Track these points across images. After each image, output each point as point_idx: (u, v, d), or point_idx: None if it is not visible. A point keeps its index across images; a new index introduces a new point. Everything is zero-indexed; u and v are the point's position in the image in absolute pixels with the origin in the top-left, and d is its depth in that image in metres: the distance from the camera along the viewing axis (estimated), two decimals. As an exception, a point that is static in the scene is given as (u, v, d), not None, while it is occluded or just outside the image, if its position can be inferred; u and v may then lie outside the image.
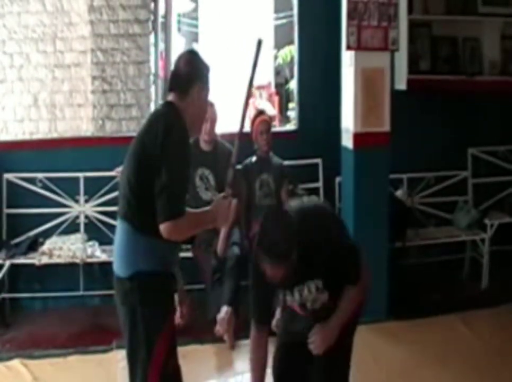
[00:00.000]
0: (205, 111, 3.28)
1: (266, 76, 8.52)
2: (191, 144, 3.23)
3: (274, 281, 2.96)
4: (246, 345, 4.91)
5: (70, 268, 5.48)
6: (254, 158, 5.64)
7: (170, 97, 3.16)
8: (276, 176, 5.59)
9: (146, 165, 3.01)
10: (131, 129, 5.88)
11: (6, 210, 5.64)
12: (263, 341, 3.28)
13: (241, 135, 3.21)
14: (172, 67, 3.26)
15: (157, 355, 3.05)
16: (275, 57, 8.42)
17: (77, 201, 5.72)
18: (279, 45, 8.41)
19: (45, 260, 5.33)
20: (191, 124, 3.13)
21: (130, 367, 3.15)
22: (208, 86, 3.20)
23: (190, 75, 3.12)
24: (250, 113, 6.13)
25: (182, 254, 5.10)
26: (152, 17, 6.07)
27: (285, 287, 3.14)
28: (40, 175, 5.65)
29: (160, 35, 6.18)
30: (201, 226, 3.24)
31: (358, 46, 5.09)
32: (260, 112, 5.86)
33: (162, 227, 2.93)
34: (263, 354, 3.28)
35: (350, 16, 5.07)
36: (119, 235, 3.13)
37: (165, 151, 2.94)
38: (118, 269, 3.11)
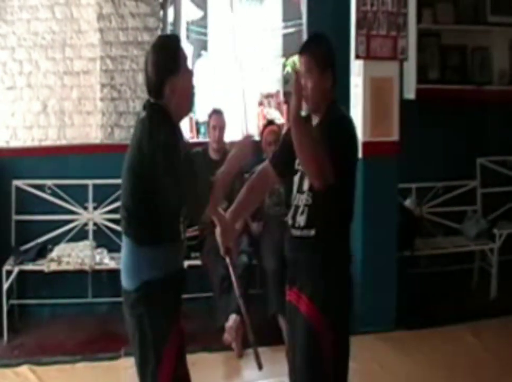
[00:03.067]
0: (187, 95, 3.13)
1: (274, 84, 8.53)
2: (179, 139, 3.11)
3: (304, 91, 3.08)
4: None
5: (78, 275, 5.49)
6: (264, 168, 5.66)
7: (150, 99, 3.10)
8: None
9: (136, 176, 3.02)
10: (140, 136, 5.88)
11: (15, 217, 5.64)
12: (266, 173, 3.43)
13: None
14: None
15: (166, 362, 3.05)
16: (284, 66, 8.41)
17: (85, 208, 5.72)
18: (287, 54, 8.40)
19: (53, 267, 5.33)
20: (178, 111, 3.09)
21: (140, 377, 3.14)
22: (182, 73, 3.06)
23: (157, 77, 3.02)
24: (259, 124, 6.16)
25: (191, 262, 5.14)
26: (161, 25, 6.09)
27: None
28: (48, 182, 5.66)
29: (169, 43, 6.18)
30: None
31: (366, 55, 5.10)
32: (269, 122, 5.87)
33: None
34: (261, 179, 3.47)
35: (359, 25, 5.09)
36: (123, 249, 3.16)
37: (157, 162, 2.93)
38: (125, 282, 3.13)
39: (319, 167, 2.95)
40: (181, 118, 3.19)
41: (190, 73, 3.14)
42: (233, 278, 3.72)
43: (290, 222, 3.23)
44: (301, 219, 3.16)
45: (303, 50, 3.26)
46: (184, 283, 3.25)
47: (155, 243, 3.05)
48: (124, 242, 3.13)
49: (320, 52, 3.20)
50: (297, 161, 3.20)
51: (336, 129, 3.09)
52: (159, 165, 2.92)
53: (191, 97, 3.21)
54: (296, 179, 3.25)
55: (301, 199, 3.17)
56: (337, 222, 3.17)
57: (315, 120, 3.21)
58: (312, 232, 3.12)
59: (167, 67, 3.03)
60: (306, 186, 3.16)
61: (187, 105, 3.20)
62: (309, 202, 3.14)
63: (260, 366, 3.43)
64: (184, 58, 3.12)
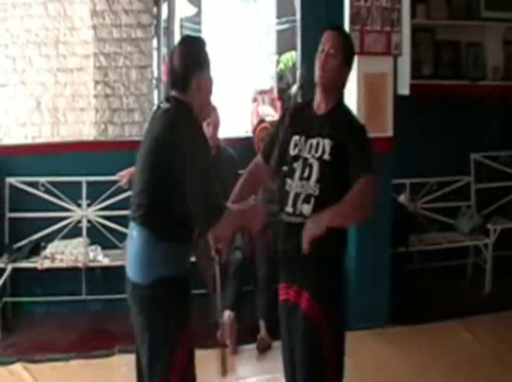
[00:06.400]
0: (210, 95, 3.13)
1: (268, 81, 8.53)
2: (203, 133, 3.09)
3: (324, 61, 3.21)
4: (248, 350, 4.94)
5: (72, 272, 5.46)
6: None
7: (173, 92, 3.07)
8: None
9: (159, 167, 2.94)
10: (134, 133, 5.89)
11: (9, 214, 5.61)
12: (257, 166, 3.49)
13: None
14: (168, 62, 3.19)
15: (178, 363, 2.99)
16: (278, 62, 8.42)
17: (79, 205, 5.70)
18: (281, 51, 8.41)
19: (47, 264, 5.32)
20: (199, 112, 3.05)
21: (148, 377, 3.05)
22: (207, 71, 3.06)
23: (185, 69, 3.00)
24: (254, 120, 6.18)
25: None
26: (155, 22, 6.08)
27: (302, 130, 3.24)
28: (42, 179, 5.63)
29: (163, 40, 6.20)
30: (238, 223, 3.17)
31: (360, 51, 5.07)
32: (261, 121, 5.90)
33: (212, 231, 3.02)
34: (254, 174, 3.50)
35: (352, 21, 5.07)
36: (136, 242, 3.02)
37: (180, 151, 2.86)
38: (135, 275, 3.02)
39: (363, 214, 3.18)
40: (202, 120, 3.14)
41: (211, 79, 3.11)
42: (217, 277, 3.77)
43: (289, 209, 3.18)
44: (304, 208, 3.12)
45: (339, 29, 3.38)
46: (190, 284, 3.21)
47: (174, 240, 2.98)
48: (140, 235, 3.00)
49: (349, 43, 3.34)
50: (294, 147, 3.23)
51: (360, 133, 3.28)
52: (187, 158, 2.87)
53: (209, 105, 3.23)
54: (296, 165, 3.20)
55: (304, 187, 3.14)
56: None
57: (320, 110, 3.23)
58: None
59: (196, 61, 3.02)
60: (313, 176, 3.13)
61: (208, 107, 3.20)
62: (316, 193, 3.11)
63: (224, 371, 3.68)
64: (209, 60, 3.09)
